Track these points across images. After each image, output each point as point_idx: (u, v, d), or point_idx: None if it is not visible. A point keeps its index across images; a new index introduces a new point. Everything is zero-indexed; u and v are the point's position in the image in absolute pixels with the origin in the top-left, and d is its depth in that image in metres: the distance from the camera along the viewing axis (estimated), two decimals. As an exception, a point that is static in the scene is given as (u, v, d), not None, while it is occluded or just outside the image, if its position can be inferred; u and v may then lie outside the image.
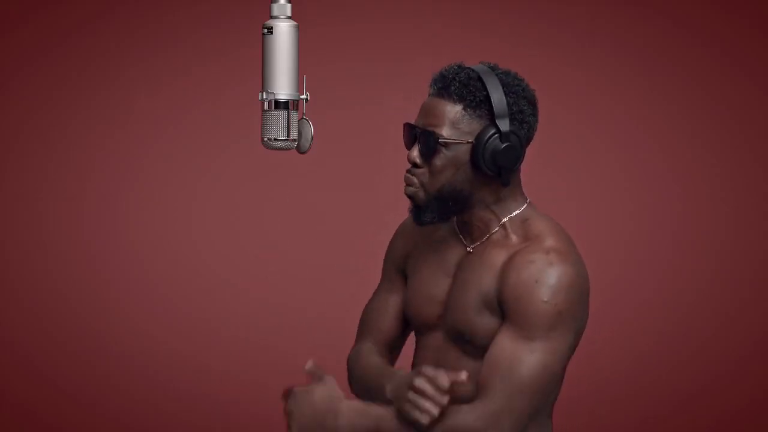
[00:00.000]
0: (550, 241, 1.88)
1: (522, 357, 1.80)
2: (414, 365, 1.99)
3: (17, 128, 4.33)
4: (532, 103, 1.93)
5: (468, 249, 1.94)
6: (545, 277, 1.82)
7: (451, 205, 1.89)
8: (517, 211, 1.94)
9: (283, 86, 1.78)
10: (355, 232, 4.42)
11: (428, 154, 1.86)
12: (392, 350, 2.09)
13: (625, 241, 4.30)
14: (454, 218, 1.98)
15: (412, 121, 1.94)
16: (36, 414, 4.29)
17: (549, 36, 4.31)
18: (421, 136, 1.87)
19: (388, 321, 2.08)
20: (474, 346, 1.88)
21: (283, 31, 1.78)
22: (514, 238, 1.91)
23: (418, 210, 1.89)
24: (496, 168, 1.87)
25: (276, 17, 1.79)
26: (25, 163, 4.34)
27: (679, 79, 4.28)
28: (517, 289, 1.83)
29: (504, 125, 1.86)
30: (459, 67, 1.94)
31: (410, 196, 1.90)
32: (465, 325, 1.89)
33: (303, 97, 1.83)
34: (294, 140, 1.82)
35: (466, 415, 1.79)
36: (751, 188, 4.30)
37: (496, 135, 1.86)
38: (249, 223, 4.37)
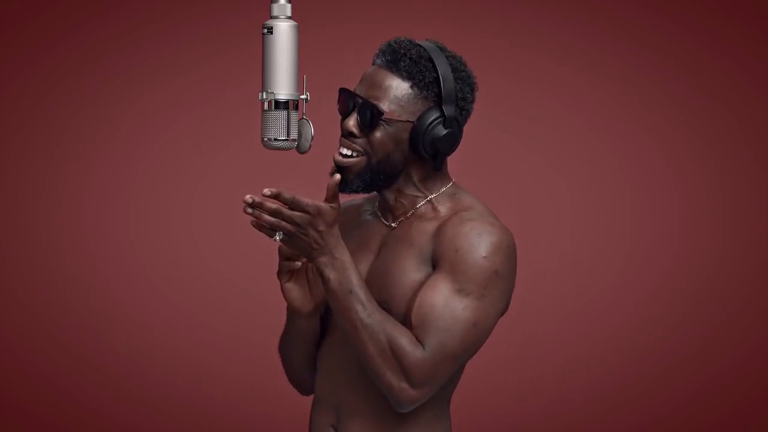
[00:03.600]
0: (480, 211, 1.87)
1: (456, 314, 1.78)
2: (319, 353, 2.00)
3: (17, 129, 4.34)
4: (473, 90, 1.90)
5: (392, 225, 1.91)
6: (486, 234, 1.81)
7: (382, 178, 1.86)
8: (444, 189, 1.91)
9: (283, 86, 1.76)
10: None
11: (367, 126, 1.83)
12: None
13: (624, 242, 4.30)
14: (376, 206, 1.97)
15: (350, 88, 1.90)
16: (37, 414, 4.29)
17: (549, 36, 4.30)
18: (362, 106, 1.84)
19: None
20: (394, 314, 1.84)
21: (283, 31, 1.75)
22: (442, 210, 1.89)
23: (345, 179, 1.85)
24: (434, 151, 1.84)
25: (276, 17, 1.76)
26: (26, 162, 4.35)
27: (678, 79, 4.28)
28: (457, 240, 1.81)
29: (449, 111, 1.83)
30: (410, 42, 1.88)
31: (347, 166, 1.85)
32: (386, 296, 1.85)
33: (303, 97, 1.81)
34: (294, 140, 1.80)
35: (415, 350, 1.77)
36: (749, 188, 4.30)
37: (439, 120, 1.83)
38: (248, 224, 4.35)
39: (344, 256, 1.78)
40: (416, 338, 1.78)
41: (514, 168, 4.34)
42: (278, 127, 1.77)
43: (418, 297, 1.80)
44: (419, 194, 1.90)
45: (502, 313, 1.87)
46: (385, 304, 1.84)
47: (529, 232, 4.07)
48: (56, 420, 4.29)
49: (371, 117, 1.82)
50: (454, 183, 1.95)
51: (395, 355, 1.75)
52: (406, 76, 1.83)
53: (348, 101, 1.87)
